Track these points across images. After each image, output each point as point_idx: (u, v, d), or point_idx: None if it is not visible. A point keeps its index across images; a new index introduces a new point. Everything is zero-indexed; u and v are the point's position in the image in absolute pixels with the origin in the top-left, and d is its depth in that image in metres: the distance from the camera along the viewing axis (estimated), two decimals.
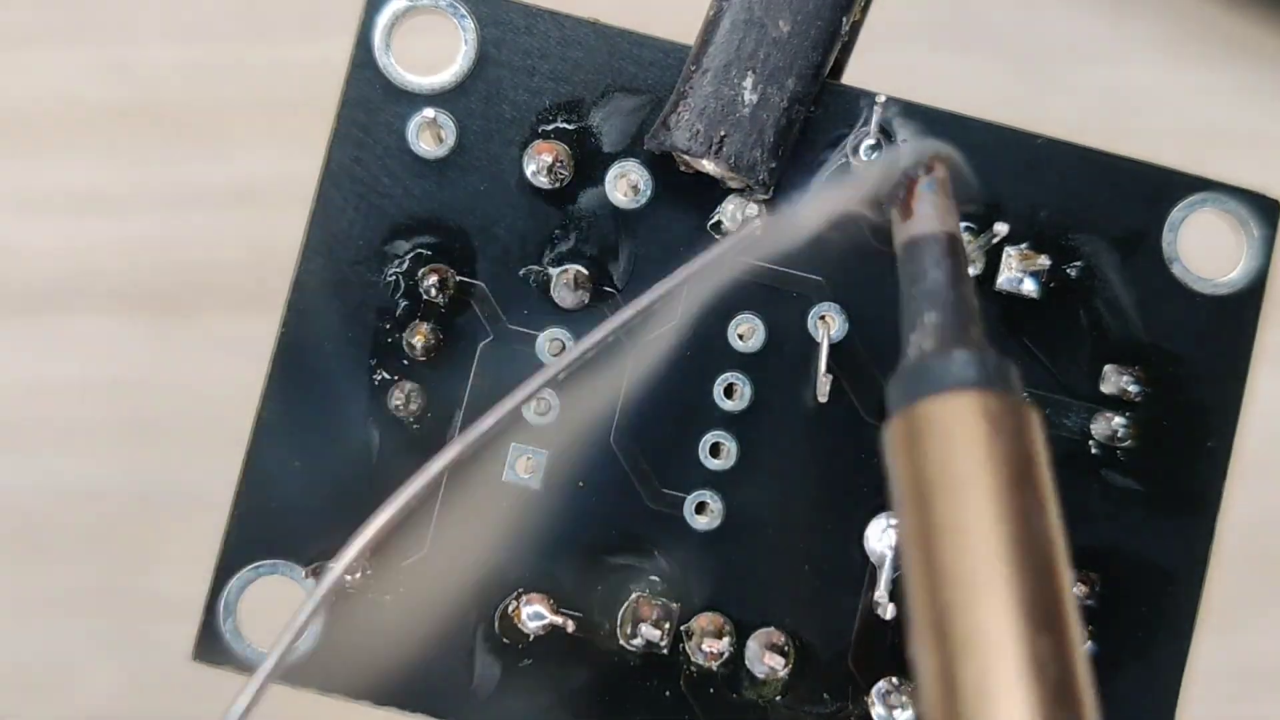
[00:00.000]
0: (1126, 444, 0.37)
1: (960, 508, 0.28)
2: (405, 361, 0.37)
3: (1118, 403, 0.37)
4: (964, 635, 0.28)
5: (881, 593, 0.36)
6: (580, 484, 0.37)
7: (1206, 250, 0.38)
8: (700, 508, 0.36)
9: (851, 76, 0.37)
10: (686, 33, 0.36)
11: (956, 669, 0.28)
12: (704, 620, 0.36)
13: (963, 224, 0.37)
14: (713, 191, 0.37)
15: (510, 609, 0.36)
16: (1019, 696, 0.27)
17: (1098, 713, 0.28)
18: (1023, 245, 0.37)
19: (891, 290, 0.36)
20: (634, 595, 0.36)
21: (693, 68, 0.35)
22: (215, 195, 0.61)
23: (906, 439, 0.29)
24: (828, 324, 0.37)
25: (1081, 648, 0.28)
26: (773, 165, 0.35)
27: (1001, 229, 0.36)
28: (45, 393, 0.61)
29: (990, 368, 0.29)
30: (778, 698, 0.37)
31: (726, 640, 0.36)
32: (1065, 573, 0.28)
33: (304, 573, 0.36)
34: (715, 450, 0.37)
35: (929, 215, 0.32)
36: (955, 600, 0.28)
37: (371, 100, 0.37)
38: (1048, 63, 0.63)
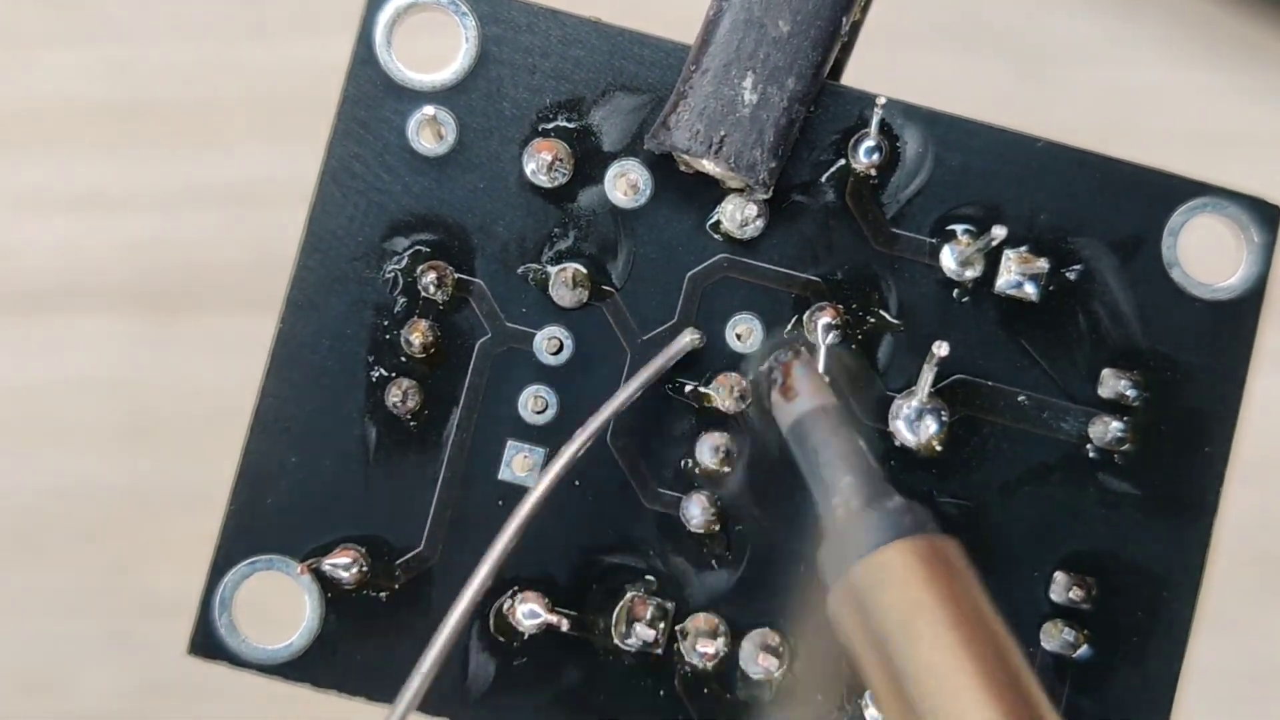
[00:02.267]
0: (1124, 448, 0.37)
1: (927, 648, 0.29)
2: (403, 359, 0.37)
3: (1115, 407, 0.37)
4: None
5: None
6: (576, 483, 0.37)
7: (1206, 255, 0.38)
8: (696, 507, 0.36)
9: (851, 77, 0.37)
10: (687, 32, 0.36)
11: None
12: (699, 620, 0.36)
13: (962, 227, 0.37)
14: (712, 191, 0.37)
15: (505, 607, 0.36)
16: None
17: None
18: (1022, 248, 0.37)
19: (895, 292, 0.36)
20: (629, 595, 0.36)
21: (693, 67, 0.35)
22: (215, 195, 0.61)
23: (853, 600, 0.30)
24: (827, 326, 0.37)
25: None
26: (773, 165, 0.35)
27: (999, 232, 0.36)
28: (45, 393, 0.61)
29: (913, 515, 0.31)
30: (772, 699, 0.37)
31: (721, 641, 0.36)
32: (1032, 676, 0.30)
33: (299, 568, 0.36)
34: (714, 450, 0.36)
35: (810, 391, 0.34)
36: None
37: (372, 97, 0.37)
38: (1048, 63, 0.63)
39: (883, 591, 0.30)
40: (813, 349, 0.36)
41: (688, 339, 0.36)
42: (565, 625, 0.36)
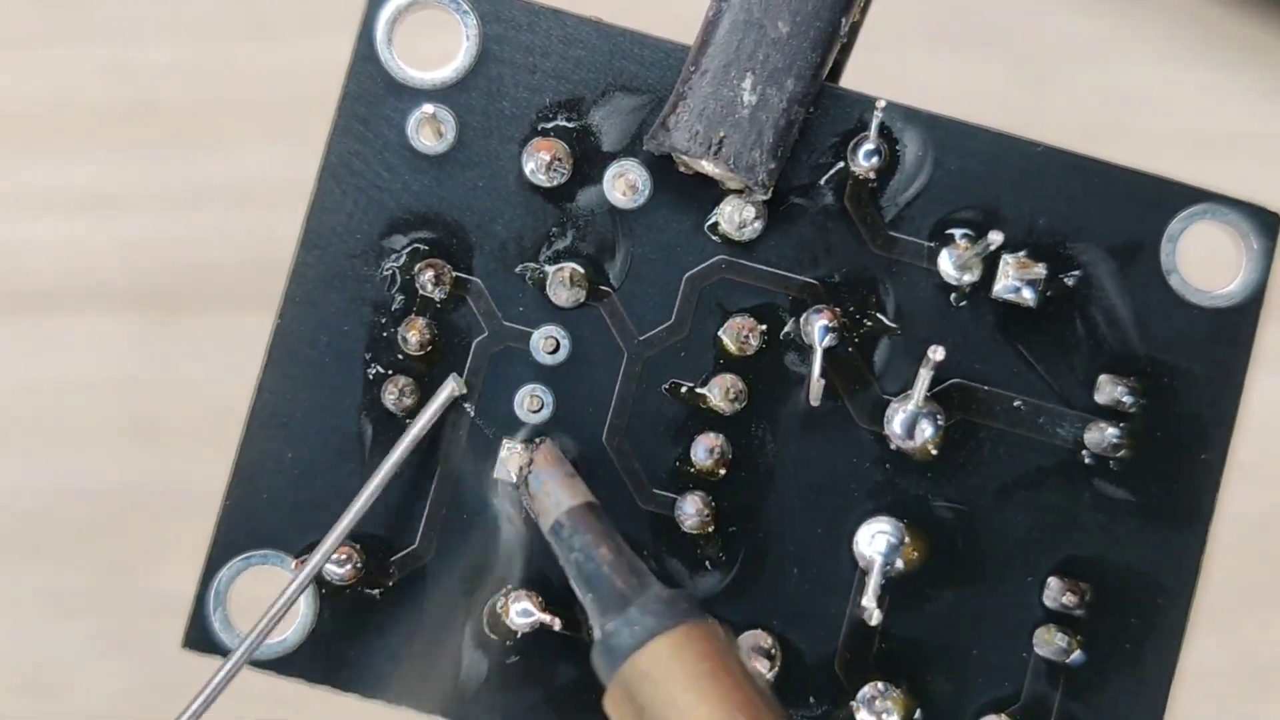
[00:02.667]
0: (1120, 454, 0.37)
1: None
2: (400, 356, 0.37)
3: (1112, 413, 0.37)
4: None
5: (869, 598, 0.35)
6: None
7: (1205, 262, 0.38)
8: (690, 508, 0.36)
9: (850, 78, 0.37)
10: (687, 33, 0.36)
11: None
12: None
13: (961, 231, 0.37)
14: (711, 192, 0.37)
15: (499, 605, 0.36)
16: None
17: None
18: (1020, 253, 0.37)
19: (892, 295, 0.36)
20: None
21: (692, 68, 0.35)
22: (215, 195, 0.61)
23: (626, 698, 0.32)
24: (824, 328, 0.37)
25: None
26: (772, 166, 0.35)
27: (996, 237, 0.36)
28: (45, 393, 0.61)
29: (671, 606, 0.32)
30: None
31: None
32: None
33: (294, 563, 0.36)
34: (708, 451, 0.36)
35: (547, 505, 0.35)
36: None
37: (372, 94, 0.37)
38: (1048, 63, 0.63)
39: (649, 686, 0.31)
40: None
41: (449, 390, 0.36)
42: (558, 624, 0.36)
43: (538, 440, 0.36)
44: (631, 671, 0.31)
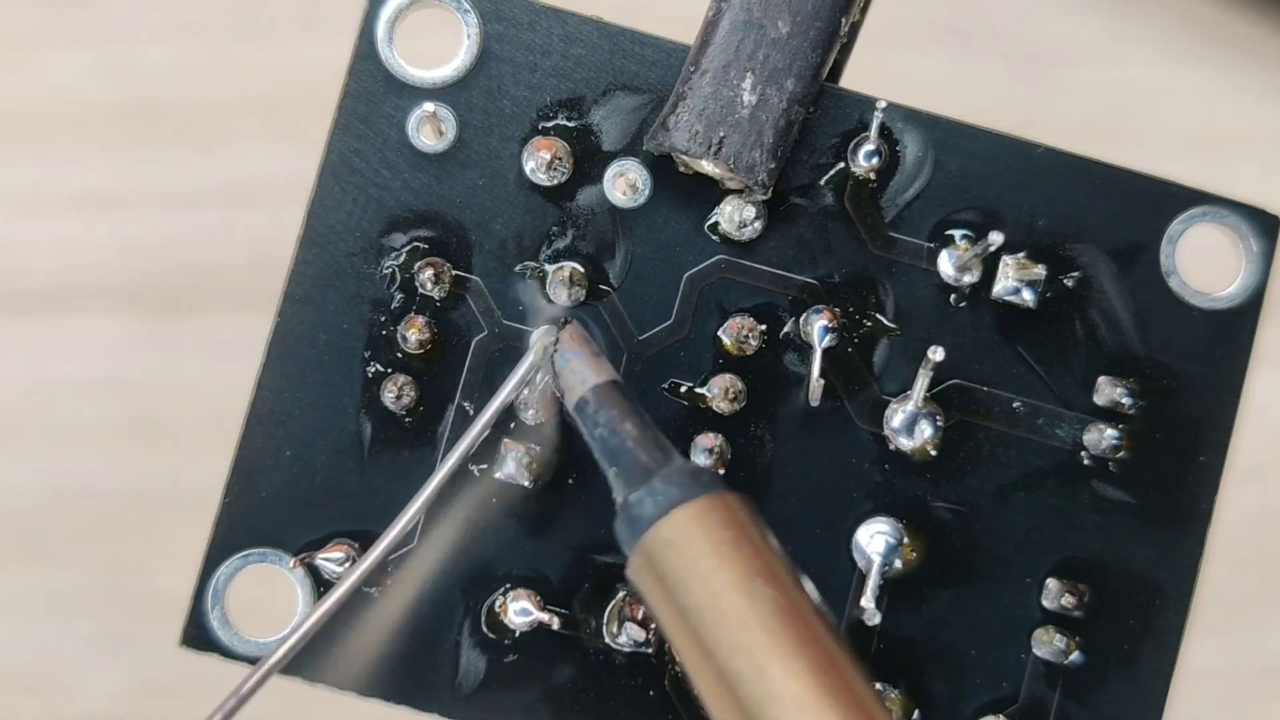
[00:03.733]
0: (1119, 456, 0.37)
1: (714, 600, 0.31)
2: (399, 355, 0.37)
3: (1111, 414, 0.37)
4: (769, 696, 0.30)
5: (868, 599, 0.35)
6: (570, 481, 0.37)
7: (1204, 264, 0.38)
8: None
9: (850, 78, 0.37)
10: (688, 32, 0.36)
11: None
12: None
13: (960, 232, 0.37)
14: (711, 192, 0.37)
15: (497, 604, 0.36)
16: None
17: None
18: (1020, 254, 0.37)
19: (892, 295, 0.36)
20: (620, 594, 0.36)
21: (692, 69, 0.35)
22: (215, 195, 0.61)
23: (649, 568, 0.32)
24: (823, 329, 0.37)
25: (861, 674, 0.31)
26: (771, 166, 0.35)
27: (996, 238, 0.36)
28: (45, 393, 0.61)
29: (696, 477, 0.32)
30: None
31: None
32: (822, 615, 0.31)
33: (291, 562, 0.36)
34: (707, 452, 0.36)
35: (572, 382, 0.35)
36: (756, 695, 0.30)
37: (373, 93, 0.37)
38: (1048, 63, 0.63)
39: (671, 554, 0.32)
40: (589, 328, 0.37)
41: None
42: (556, 623, 0.36)
43: (564, 320, 0.36)
44: (654, 539, 0.32)
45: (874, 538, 0.36)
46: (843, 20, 0.35)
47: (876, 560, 0.36)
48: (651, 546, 0.32)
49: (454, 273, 0.37)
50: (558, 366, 0.35)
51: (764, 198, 0.36)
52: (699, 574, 0.31)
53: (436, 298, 0.37)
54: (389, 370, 0.37)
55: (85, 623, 0.60)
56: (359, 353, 0.37)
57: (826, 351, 0.36)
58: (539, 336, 0.36)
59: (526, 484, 0.36)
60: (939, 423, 0.36)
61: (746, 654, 0.30)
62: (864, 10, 0.36)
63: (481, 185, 0.37)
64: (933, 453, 0.37)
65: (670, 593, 0.31)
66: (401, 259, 0.37)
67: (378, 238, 0.37)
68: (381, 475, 0.36)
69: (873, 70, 0.38)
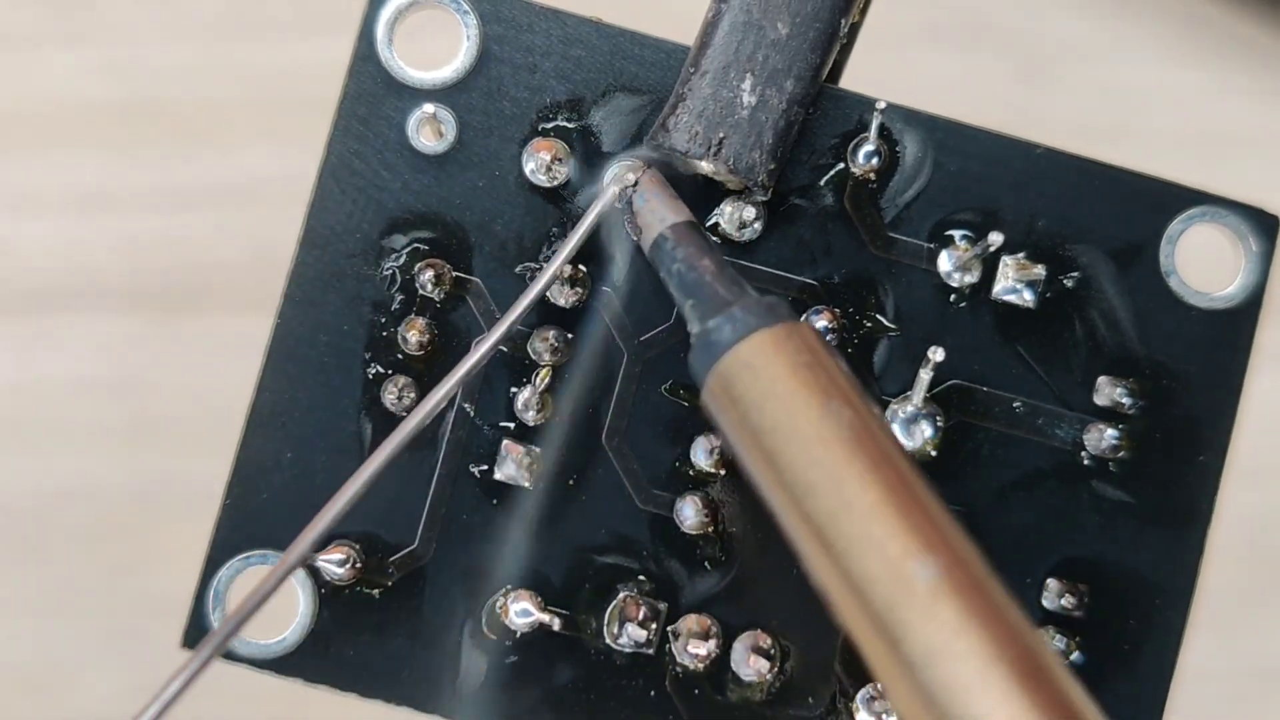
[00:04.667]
0: (1119, 456, 0.37)
1: (791, 418, 0.31)
2: (399, 356, 0.37)
3: (1111, 414, 0.37)
4: (852, 533, 0.30)
5: None
6: (570, 482, 0.37)
7: (1204, 264, 0.38)
8: (689, 509, 0.36)
9: (849, 78, 0.37)
10: (688, 33, 0.36)
11: (852, 564, 0.30)
12: (691, 621, 0.36)
13: (960, 233, 0.37)
14: (711, 192, 0.37)
15: (498, 605, 0.36)
16: (906, 545, 0.30)
17: (970, 545, 0.31)
18: (1020, 255, 0.37)
19: (891, 296, 0.37)
20: (621, 595, 0.36)
21: (691, 70, 0.35)
22: (215, 195, 0.61)
23: (725, 394, 0.32)
24: (823, 329, 0.37)
25: (931, 490, 0.31)
26: (771, 167, 0.35)
27: (996, 239, 0.36)
28: (45, 393, 0.61)
29: (770, 307, 0.33)
30: (763, 701, 0.37)
31: (713, 642, 0.36)
32: (899, 447, 0.32)
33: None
34: (707, 453, 0.36)
35: (650, 221, 0.35)
36: (830, 507, 0.31)
37: (373, 94, 0.37)
38: (1047, 63, 0.63)
39: (749, 376, 0.32)
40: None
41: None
42: (557, 624, 0.36)
43: (644, 164, 0.36)
44: (733, 361, 0.32)
45: None
46: (842, 21, 0.35)
47: None
48: (729, 369, 0.32)
49: (454, 274, 0.37)
50: (636, 205, 0.36)
51: (764, 199, 0.36)
52: (776, 395, 0.31)
53: (437, 299, 0.37)
54: (389, 371, 0.37)
55: (85, 623, 0.60)
56: (359, 354, 0.37)
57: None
58: (615, 174, 0.36)
59: (527, 484, 0.36)
60: (939, 423, 0.36)
61: (822, 467, 0.31)
62: (864, 11, 0.36)
63: (481, 186, 0.37)
64: (933, 453, 0.37)
65: (746, 415, 0.32)
66: (402, 260, 0.37)
67: (378, 239, 0.37)
68: (382, 476, 0.36)
69: (873, 71, 0.38)
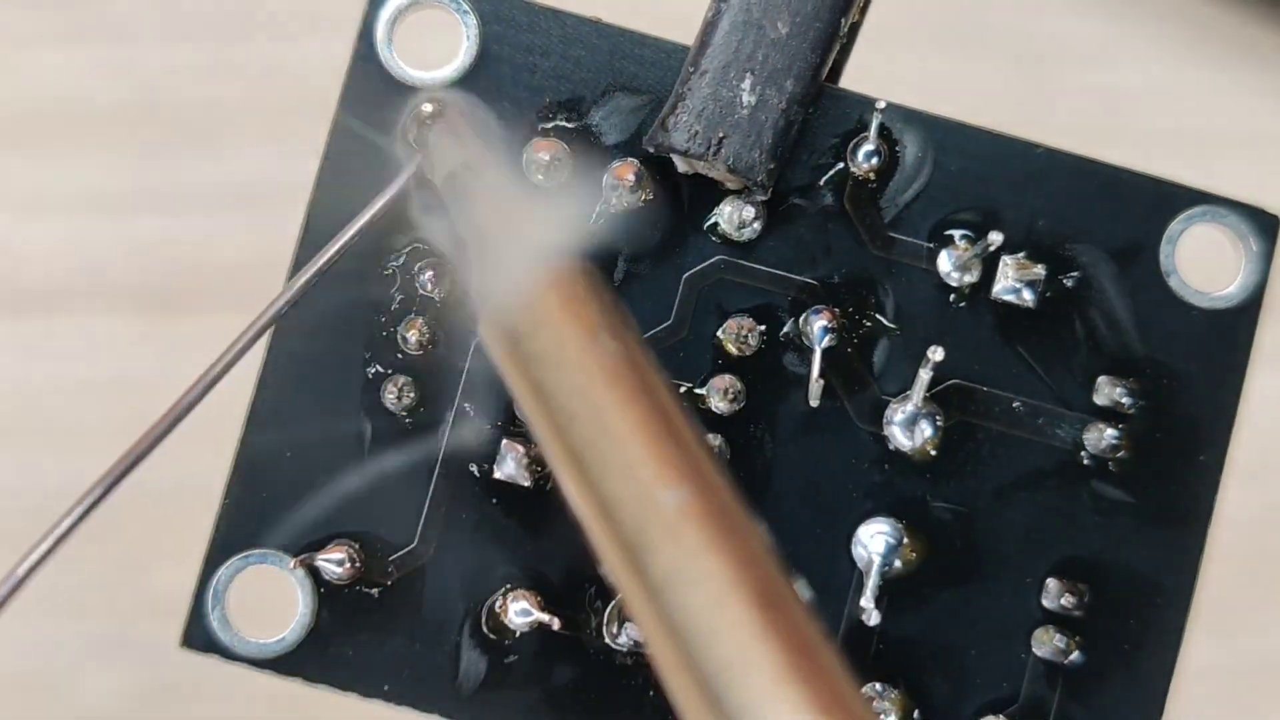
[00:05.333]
0: (1118, 456, 0.37)
1: (560, 357, 0.31)
2: (399, 355, 0.37)
3: (1111, 414, 0.37)
4: (606, 458, 0.30)
5: (867, 599, 0.35)
6: None
7: (1204, 263, 0.38)
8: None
9: (850, 78, 0.37)
10: (688, 33, 0.36)
11: (606, 488, 0.30)
12: None
13: (960, 232, 0.37)
14: (710, 192, 0.37)
15: (498, 605, 0.36)
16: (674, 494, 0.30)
17: (724, 479, 0.30)
18: (1020, 254, 0.37)
19: (891, 296, 0.37)
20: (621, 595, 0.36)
21: (691, 69, 0.35)
22: (215, 195, 0.61)
23: (499, 336, 0.32)
24: (823, 329, 0.37)
25: (695, 434, 0.31)
26: (771, 166, 0.35)
27: (996, 238, 0.36)
28: (45, 393, 0.61)
29: (529, 252, 0.32)
30: None
31: None
32: (668, 384, 0.32)
33: (292, 563, 0.36)
34: None
35: (438, 161, 0.35)
36: (588, 433, 0.30)
37: (373, 94, 0.37)
38: (1047, 63, 0.63)
39: (524, 315, 0.31)
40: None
41: None
42: (557, 624, 0.36)
43: (435, 103, 0.36)
44: (509, 301, 0.32)
45: (874, 538, 0.36)
46: (842, 21, 0.35)
47: (876, 560, 0.36)
48: (506, 308, 0.32)
49: (454, 274, 0.37)
50: (431, 144, 0.35)
51: (763, 198, 0.36)
52: (546, 326, 0.31)
53: (437, 299, 0.37)
54: (389, 371, 0.37)
55: (85, 623, 0.60)
56: (359, 353, 0.37)
57: (826, 352, 0.36)
58: (413, 113, 0.36)
59: (527, 484, 0.36)
60: (939, 423, 0.36)
61: (583, 395, 0.31)
62: (864, 11, 0.36)
63: None
64: (933, 453, 0.37)
65: (516, 346, 0.32)
66: (402, 260, 0.37)
67: (378, 239, 0.37)
68: (381, 476, 0.36)
69: (873, 70, 0.38)
